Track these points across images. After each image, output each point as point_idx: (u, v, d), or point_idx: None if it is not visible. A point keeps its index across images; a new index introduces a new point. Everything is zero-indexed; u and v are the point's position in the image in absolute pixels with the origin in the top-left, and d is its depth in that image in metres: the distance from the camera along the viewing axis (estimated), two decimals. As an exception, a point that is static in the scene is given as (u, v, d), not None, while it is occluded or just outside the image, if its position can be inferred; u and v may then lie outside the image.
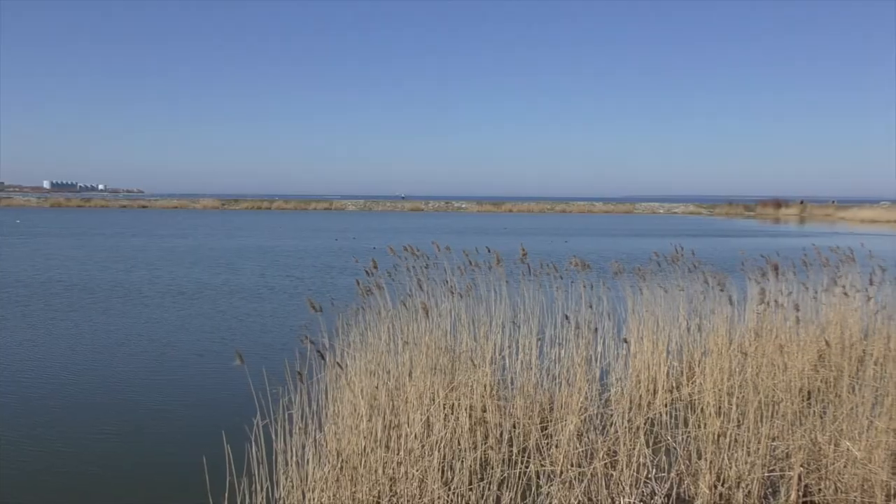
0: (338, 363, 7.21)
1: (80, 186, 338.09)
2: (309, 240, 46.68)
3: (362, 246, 39.78)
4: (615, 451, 6.79)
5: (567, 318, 9.04)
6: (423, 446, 6.57)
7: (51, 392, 11.14)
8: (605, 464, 6.49)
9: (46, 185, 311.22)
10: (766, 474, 6.71)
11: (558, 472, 6.56)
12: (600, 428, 7.60)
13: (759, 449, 6.73)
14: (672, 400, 9.03)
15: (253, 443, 5.90)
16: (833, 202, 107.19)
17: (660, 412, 8.53)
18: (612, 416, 7.59)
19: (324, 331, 7.32)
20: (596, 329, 9.24)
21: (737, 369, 8.94)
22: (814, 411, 7.38)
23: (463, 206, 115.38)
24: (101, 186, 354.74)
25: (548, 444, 7.21)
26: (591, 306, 9.40)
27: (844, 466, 6.61)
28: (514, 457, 6.78)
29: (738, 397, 8.09)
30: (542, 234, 54.47)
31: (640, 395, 9.16)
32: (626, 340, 9.41)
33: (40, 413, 10.12)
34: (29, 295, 21.05)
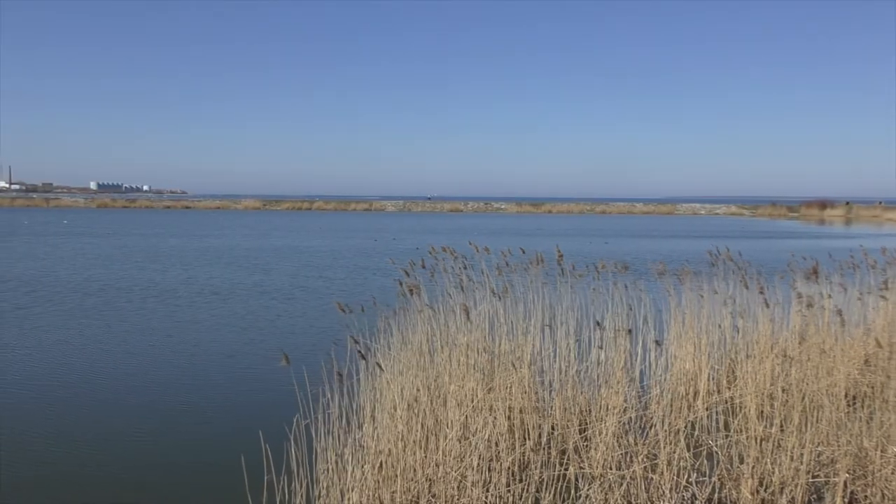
0: (378, 364, 7.25)
1: (126, 188, 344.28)
2: (347, 240, 46.99)
3: (401, 246, 39.96)
4: (655, 455, 6.73)
5: (602, 320, 8.98)
6: (461, 447, 6.58)
7: (84, 392, 11.30)
8: (645, 467, 6.44)
9: (93, 186, 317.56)
10: (810, 480, 6.60)
11: (597, 474, 6.53)
12: (640, 431, 7.54)
13: (803, 454, 6.61)
14: (713, 403, 8.92)
15: (292, 442, 5.96)
16: (880, 203, 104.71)
17: (700, 415, 8.43)
18: (651, 418, 7.53)
19: (362, 331, 7.38)
20: (633, 330, 9.16)
21: (780, 373, 8.80)
22: (860, 416, 7.24)
23: (502, 206, 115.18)
24: (145, 187, 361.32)
25: (586, 446, 7.17)
26: (630, 307, 9.33)
27: (892, 473, 6.47)
28: (552, 459, 6.76)
29: (781, 401, 7.96)
30: (582, 236, 54.17)
31: (680, 398, 9.05)
32: (657, 342, 9.32)
33: (74, 413, 10.28)
34: (65, 294, 21.48)
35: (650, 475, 6.45)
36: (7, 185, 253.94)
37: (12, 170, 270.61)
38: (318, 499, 6.17)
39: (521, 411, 8.07)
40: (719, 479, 6.59)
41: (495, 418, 7.23)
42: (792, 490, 6.45)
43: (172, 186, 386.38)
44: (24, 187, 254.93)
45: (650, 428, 7.31)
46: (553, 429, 7.85)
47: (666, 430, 6.80)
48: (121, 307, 19.25)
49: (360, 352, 6.66)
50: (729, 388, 9.44)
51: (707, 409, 8.62)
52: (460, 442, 6.64)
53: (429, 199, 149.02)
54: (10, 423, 9.73)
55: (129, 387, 11.69)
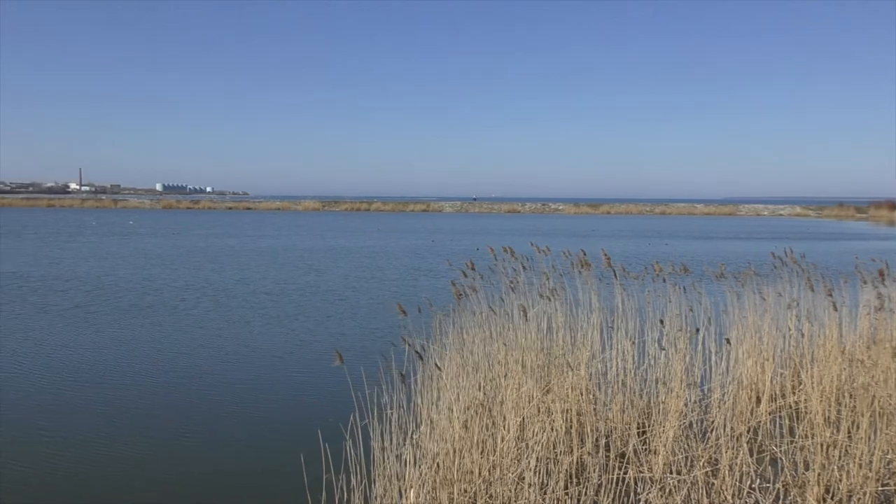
0: (436, 364, 7.29)
1: (190, 189, 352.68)
2: (403, 241, 47.29)
3: (457, 247, 40.04)
4: (716, 460, 6.61)
5: (663, 322, 8.86)
6: (518, 449, 6.57)
7: (139, 391, 11.50)
8: (706, 472, 6.33)
9: (159, 187, 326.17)
10: (880, 489, 6.40)
11: (657, 478, 6.44)
12: (700, 435, 7.41)
13: (872, 461, 6.42)
14: (777, 408, 8.72)
15: (349, 441, 6.02)
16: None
17: (763, 420, 8.25)
18: (712, 422, 7.40)
19: (418, 332, 7.42)
20: (697, 331, 9.01)
21: (847, 377, 8.56)
22: (933, 424, 6.99)
23: (560, 207, 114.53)
24: (208, 189, 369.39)
25: (645, 449, 7.09)
26: (691, 309, 9.19)
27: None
28: (610, 462, 6.69)
29: (848, 406, 7.74)
30: (640, 237, 53.51)
31: (743, 403, 8.87)
32: (728, 341, 9.14)
33: (129, 412, 10.47)
34: (123, 293, 22.11)
35: (711, 480, 6.35)
36: (78, 187, 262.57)
37: (83, 172, 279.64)
38: (376, 498, 6.22)
39: (578, 413, 8.01)
40: (783, 486, 6.44)
41: (553, 420, 7.20)
42: (860, 498, 6.26)
43: (235, 188, 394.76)
44: (93, 189, 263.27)
45: (711, 432, 7.18)
46: (611, 431, 7.77)
47: (728, 435, 6.68)
48: (175, 306, 19.73)
49: (417, 352, 6.70)
50: (793, 393, 9.22)
51: (770, 414, 8.43)
52: (517, 443, 6.63)
53: (473, 199, 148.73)
54: (65, 422, 9.95)
55: (185, 385, 11.94)
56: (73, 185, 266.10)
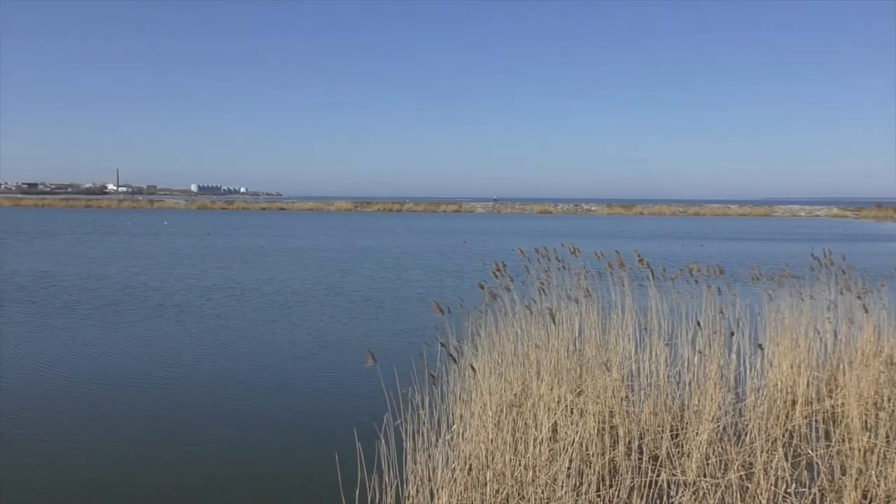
0: (471, 366, 7.31)
1: (224, 189, 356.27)
2: (436, 241, 47.38)
3: (487, 248, 40.04)
4: (751, 464, 6.56)
5: (699, 323, 8.79)
6: (551, 451, 6.57)
7: (168, 394, 11.54)
8: (741, 476, 6.28)
9: (194, 188, 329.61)
10: (918, 495, 6.30)
11: (690, 481, 6.41)
12: (734, 438, 7.35)
13: (911, 467, 6.33)
14: (813, 412, 8.61)
15: (382, 441, 6.07)
16: None
17: (799, 424, 8.15)
18: (747, 426, 7.33)
19: (450, 333, 7.45)
20: (732, 334, 8.94)
21: (886, 381, 8.42)
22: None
23: (592, 208, 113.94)
24: (242, 189, 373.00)
25: (679, 452, 7.05)
26: (721, 311, 9.11)
27: None
28: (643, 464, 6.66)
29: (887, 411, 7.62)
30: (673, 238, 53.06)
31: (778, 406, 8.77)
32: (761, 346, 9.05)
33: (160, 414, 10.50)
34: (149, 293, 22.40)
35: (746, 484, 6.29)
36: (115, 188, 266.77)
37: (119, 173, 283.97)
38: (409, 498, 6.26)
39: (610, 415, 7.99)
40: (819, 491, 6.37)
41: (585, 422, 7.19)
42: (899, 504, 6.18)
43: (268, 188, 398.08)
44: (130, 190, 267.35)
45: (745, 436, 7.12)
46: (644, 434, 7.74)
47: (762, 439, 6.62)
48: (201, 306, 19.98)
49: (451, 355, 6.74)
50: (830, 397, 9.10)
51: (806, 418, 8.33)
52: (550, 445, 6.64)
53: (495, 200, 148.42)
54: (91, 425, 9.93)
55: (212, 386, 12.01)
56: (111, 186, 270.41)
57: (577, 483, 6.37)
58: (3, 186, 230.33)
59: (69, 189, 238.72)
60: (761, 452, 6.40)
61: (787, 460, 6.43)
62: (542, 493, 6.25)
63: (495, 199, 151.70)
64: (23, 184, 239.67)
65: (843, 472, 6.41)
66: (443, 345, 6.76)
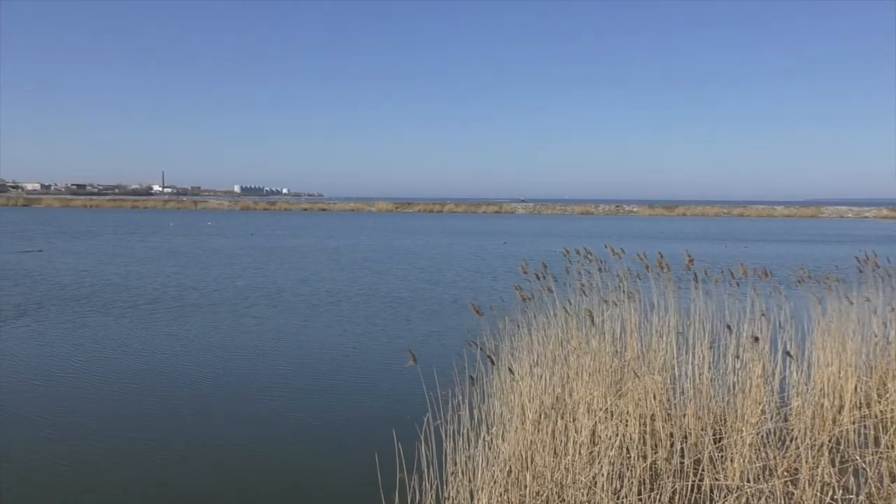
0: (509, 368, 7.31)
1: (267, 190, 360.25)
2: (477, 242, 47.37)
3: (530, 250, 39.89)
4: (796, 469, 6.44)
5: (738, 327, 8.66)
6: (591, 453, 6.53)
7: (205, 396, 11.65)
8: (786, 482, 6.18)
9: (237, 189, 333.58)
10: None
11: (733, 486, 6.32)
12: (779, 443, 7.23)
13: (963, 475, 6.16)
14: (860, 417, 8.43)
15: (422, 442, 6.10)
16: None
17: (846, 429, 7.99)
18: (791, 431, 7.21)
19: (489, 334, 7.45)
20: (772, 338, 8.79)
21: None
22: None
23: (634, 209, 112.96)
24: (284, 190, 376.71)
25: (722, 457, 6.95)
26: (763, 314, 8.96)
27: None
28: (685, 469, 6.59)
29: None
30: (715, 239, 52.35)
31: (824, 411, 8.61)
32: (789, 354, 8.88)
33: (197, 416, 10.64)
34: (187, 292, 22.77)
35: (791, 490, 6.19)
36: (160, 189, 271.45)
37: (165, 174, 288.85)
38: (449, 499, 6.28)
39: (652, 418, 7.92)
40: (867, 498, 6.23)
41: (626, 425, 7.14)
42: (950, 513, 6.02)
43: (310, 189, 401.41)
44: (175, 191, 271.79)
45: (790, 441, 7.00)
46: (686, 437, 7.65)
47: (808, 444, 6.50)
48: (235, 305, 20.25)
49: (490, 357, 6.74)
50: (879, 402, 8.90)
51: (854, 423, 8.16)
52: (590, 447, 6.60)
53: (522, 201, 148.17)
54: (131, 431, 9.90)
55: (248, 387, 12.09)
56: (156, 188, 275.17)
57: (618, 486, 6.33)
58: (53, 188, 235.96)
59: (116, 190, 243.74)
60: (807, 458, 6.29)
61: (833, 466, 6.32)
62: (583, 495, 6.22)
63: (522, 200, 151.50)
64: (72, 185, 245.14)
65: (893, 479, 6.26)
66: (479, 347, 6.76)
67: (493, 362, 6.86)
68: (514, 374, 7.40)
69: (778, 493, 6.01)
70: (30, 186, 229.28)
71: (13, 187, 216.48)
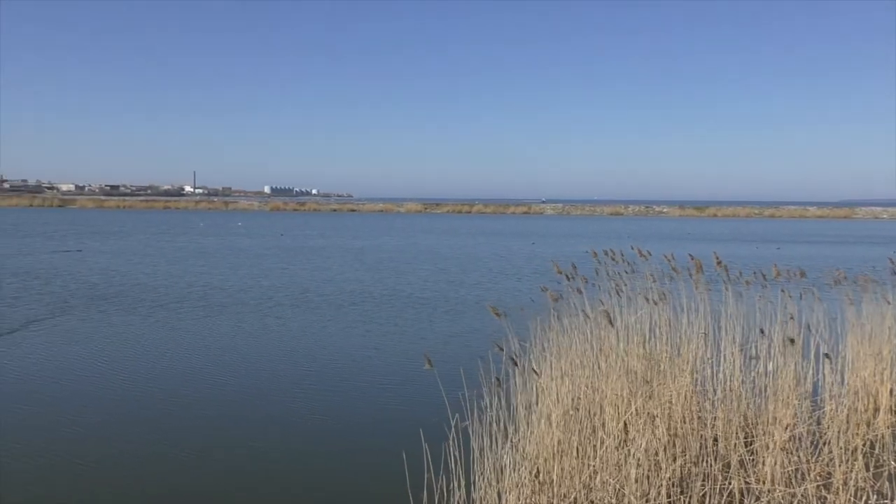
0: (533, 369, 7.27)
1: (297, 191, 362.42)
2: (505, 243, 47.28)
3: (557, 251, 39.73)
4: (829, 473, 6.34)
5: (769, 329, 8.54)
6: (619, 456, 6.48)
7: (232, 396, 11.72)
8: (818, 486, 6.08)
9: (267, 189, 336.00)
10: None
11: (764, 490, 6.23)
12: (811, 447, 7.12)
13: None
14: (896, 421, 8.27)
15: (450, 443, 6.09)
16: None
17: (881, 433, 7.85)
18: (824, 434, 7.10)
19: (517, 335, 7.41)
20: (804, 340, 8.65)
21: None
22: None
23: (664, 210, 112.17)
24: (314, 191, 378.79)
25: (753, 460, 6.86)
26: (792, 317, 8.83)
27: None
28: (715, 472, 6.51)
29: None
30: (745, 240, 51.75)
31: (858, 415, 8.46)
32: (839, 353, 8.74)
33: (224, 417, 10.68)
34: (211, 292, 22.95)
35: (824, 494, 6.09)
36: (192, 190, 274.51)
37: (196, 175, 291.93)
38: (477, 501, 6.27)
39: (682, 421, 7.84)
40: (903, 504, 6.11)
41: (655, 427, 7.07)
42: None
43: (339, 190, 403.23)
44: (206, 191, 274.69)
45: (823, 445, 6.89)
46: (716, 440, 7.56)
47: (841, 448, 6.40)
48: (259, 304, 20.44)
49: (512, 358, 6.71)
50: (915, 406, 8.73)
51: (889, 427, 8.01)
52: (618, 450, 6.55)
53: (543, 201, 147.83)
54: (145, 428, 10.00)
55: (275, 386, 12.18)
56: (188, 188, 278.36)
57: (647, 489, 6.27)
58: (87, 188, 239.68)
59: (149, 191, 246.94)
60: (840, 462, 6.19)
61: (867, 471, 6.21)
62: (611, 498, 6.17)
63: (543, 201, 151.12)
64: (106, 186, 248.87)
65: (929, 485, 6.13)
66: (501, 349, 6.73)
67: (515, 364, 6.83)
68: (541, 375, 7.36)
69: (810, 496, 5.92)
70: (64, 187, 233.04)
71: (48, 188, 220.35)
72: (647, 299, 8.96)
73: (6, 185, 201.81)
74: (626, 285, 9.29)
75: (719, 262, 8.78)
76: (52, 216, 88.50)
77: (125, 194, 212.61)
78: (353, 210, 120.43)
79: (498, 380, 6.44)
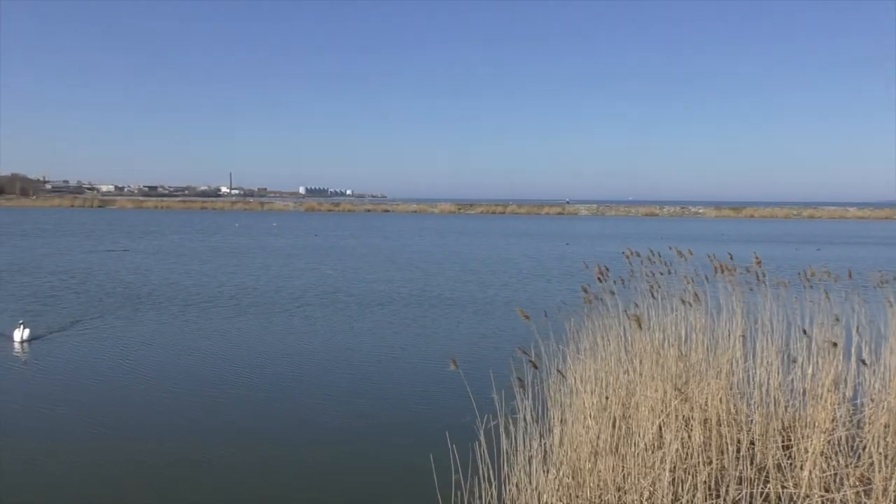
0: (559, 371, 7.22)
1: (331, 192, 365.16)
2: (536, 244, 47.08)
3: (589, 252, 39.49)
4: (869, 479, 6.20)
5: (808, 330, 8.38)
6: (653, 457, 6.40)
7: (261, 396, 11.79)
8: (857, 491, 5.95)
9: (302, 190, 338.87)
10: None
11: (801, 495, 6.12)
12: (850, 451, 6.97)
13: None
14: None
15: (480, 443, 6.06)
16: None
17: (924, 439, 7.64)
18: (864, 439, 6.94)
19: (550, 336, 7.36)
20: (844, 343, 8.47)
21: None
22: None
23: (700, 210, 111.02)
24: (348, 191, 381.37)
25: (789, 464, 6.74)
26: (837, 319, 8.65)
27: None
28: (751, 475, 6.41)
29: None
30: (786, 242, 50.97)
31: (901, 419, 8.25)
32: (870, 356, 8.54)
33: (254, 417, 10.76)
34: (242, 292, 23.21)
35: (863, 500, 5.96)
36: (228, 190, 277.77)
37: (233, 176, 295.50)
38: (507, 501, 6.23)
39: (717, 423, 7.72)
40: (946, 511, 5.95)
41: (689, 429, 6.98)
42: None
43: (374, 190, 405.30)
44: (242, 192, 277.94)
45: (863, 449, 6.74)
46: (752, 443, 7.44)
47: (881, 453, 6.25)
48: (288, 305, 20.59)
49: (540, 360, 6.67)
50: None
51: (932, 433, 7.80)
52: (652, 452, 6.47)
53: (567, 202, 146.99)
54: (169, 430, 10.04)
55: (303, 387, 12.24)
56: (224, 189, 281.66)
57: (680, 491, 6.19)
58: (126, 189, 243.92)
59: (186, 191, 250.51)
60: (880, 468, 6.05)
61: (909, 477, 6.05)
62: (644, 500, 6.10)
63: (567, 202, 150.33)
64: (144, 187, 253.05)
65: (973, 492, 5.96)
66: (524, 352, 6.69)
67: (547, 365, 6.78)
68: (573, 376, 7.30)
69: (850, 502, 5.80)
70: (104, 188, 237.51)
71: (89, 189, 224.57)
72: (683, 300, 8.86)
73: (48, 187, 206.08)
74: (660, 286, 9.19)
75: (759, 263, 8.65)
76: (92, 216, 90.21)
77: (163, 195, 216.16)
78: (387, 210, 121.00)
79: (520, 380, 6.40)
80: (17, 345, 14.89)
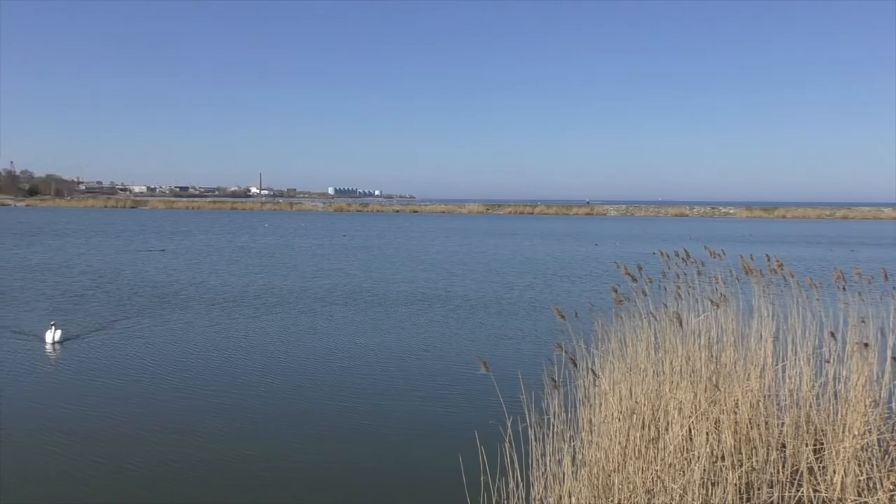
0: (592, 370, 7.20)
1: (360, 192, 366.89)
2: (563, 245, 46.88)
3: (616, 253, 39.25)
4: (903, 484, 6.11)
5: (841, 333, 8.26)
6: (682, 460, 6.36)
7: (290, 397, 11.80)
8: (892, 496, 5.87)
9: (331, 191, 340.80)
10: None
11: (834, 499, 6.05)
12: (884, 456, 6.87)
13: None
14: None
15: (508, 445, 6.06)
16: None
17: (961, 444, 7.51)
18: (899, 443, 6.83)
19: (580, 337, 7.34)
20: (878, 346, 8.34)
21: None
22: None
23: (731, 211, 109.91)
24: (377, 192, 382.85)
25: (821, 468, 6.66)
26: (863, 321, 8.52)
27: None
28: (782, 479, 6.34)
29: None
30: (818, 243, 50.28)
31: (936, 423, 8.12)
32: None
33: (283, 416, 10.83)
34: (267, 291, 23.37)
35: (898, 505, 5.87)
36: (258, 191, 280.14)
37: (262, 176, 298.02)
38: (536, 502, 6.22)
39: (748, 426, 7.64)
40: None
41: (720, 432, 6.92)
42: None
43: (402, 191, 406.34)
44: (272, 192, 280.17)
45: (898, 454, 6.64)
46: (784, 447, 7.36)
47: (917, 458, 6.16)
48: (312, 305, 20.73)
49: (572, 359, 6.65)
50: None
51: (969, 437, 7.66)
52: (682, 454, 6.43)
53: (587, 202, 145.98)
54: (190, 433, 10.02)
55: (330, 387, 12.29)
56: (254, 190, 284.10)
57: (711, 494, 6.14)
58: (158, 190, 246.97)
59: (216, 192, 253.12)
60: (916, 472, 5.95)
61: (945, 482, 5.95)
62: (674, 503, 6.06)
63: (587, 202, 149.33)
64: (175, 187, 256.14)
65: None
66: (565, 351, 6.67)
67: (574, 365, 6.76)
68: (603, 377, 7.28)
69: (883, 507, 5.72)
70: (137, 189, 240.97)
71: (122, 190, 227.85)
72: (712, 301, 8.78)
73: (83, 187, 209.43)
74: (690, 287, 9.12)
75: (780, 266, 8.55)
76: (124, 216, 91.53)
77: (194, 196, 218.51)
78: (415, 211, 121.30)
79: (553, 380, 6.39)
80: (48, 346, 15.09)
